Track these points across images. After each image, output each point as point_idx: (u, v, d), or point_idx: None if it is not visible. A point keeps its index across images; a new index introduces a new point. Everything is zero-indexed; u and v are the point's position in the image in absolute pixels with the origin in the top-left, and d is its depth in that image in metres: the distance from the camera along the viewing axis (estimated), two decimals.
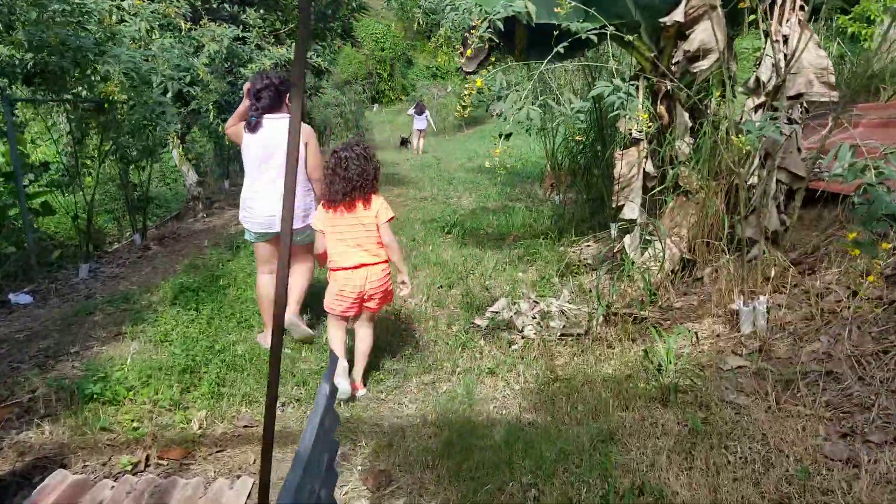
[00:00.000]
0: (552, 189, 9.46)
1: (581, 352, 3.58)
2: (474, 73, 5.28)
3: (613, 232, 5.65)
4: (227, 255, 6.55)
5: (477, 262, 5.91)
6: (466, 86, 4.03)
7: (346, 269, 3.36)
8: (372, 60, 35.64)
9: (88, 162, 6.52)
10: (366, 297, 3.42)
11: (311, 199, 3.95)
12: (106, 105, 5.55)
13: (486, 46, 5.33)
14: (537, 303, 4.49)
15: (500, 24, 4.15)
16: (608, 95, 3.05)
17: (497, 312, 4.51)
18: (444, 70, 37.26)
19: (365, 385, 3.55)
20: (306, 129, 3.79)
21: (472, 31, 4.86)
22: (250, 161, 3.81)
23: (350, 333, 3.71)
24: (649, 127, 3.84)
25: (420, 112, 18.76)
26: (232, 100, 8.56)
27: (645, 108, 4.19)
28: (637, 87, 4.58)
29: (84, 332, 4.50)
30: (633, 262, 3.95)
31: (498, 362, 3.65)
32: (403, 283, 3.49)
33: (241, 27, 7.70)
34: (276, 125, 3.76)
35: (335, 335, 3.52)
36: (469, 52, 4.87)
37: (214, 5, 8.20)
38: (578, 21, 4.27)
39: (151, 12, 6.26)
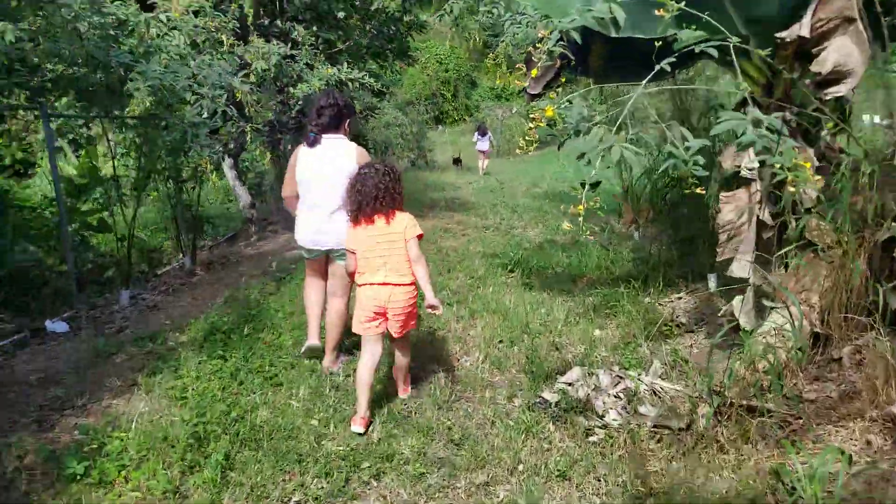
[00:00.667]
0: (632, 224, 8.56)
1: (682, 454, 2.74)
2: (539, 96, 4.54)
3: (712, 284, 4.74)
4: (271, 287, 5.97)
5: (544, 312, 5.12)
6: (532, 115, 3.29)
7: (371, 284, 3.30)
8: (436, 81, 35.35)
9: (135, 180, 6.09)
10: (388, 314, 3.32)
11: None
12: (133, 122, 5.11)
13: (556, 65, 4.58)
14: (621, 377, 3.64)
15: (577, 36, 3.37)
16: (742, 133, 2.23)
17: (570, 385, 3.69)
18: (509, 91, 36.65)
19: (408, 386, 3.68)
20: (360, 152, 3.79)
21: (538, 47, 4.16)
22: (303, 178, 3.80)
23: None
24: (819, 186, 2.96)
25: (483, 133, 18.78)
26: (281, 119, 8.07)
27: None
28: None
29: (99, 377, 3.94)
30: (749, 333, 3.09)
31: (572, 460, 2.84)
32: (432, 307, 3.38)
33: (290, 45, 7.19)
34: (331, 145, 3.76)
35: (363, 363, 3.38)
36: (534, 71, 4.12)
37: (265, 22, 7.74)
38: (670, 35, 3.48)
39: (193, 26, 5.80)
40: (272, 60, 6.88)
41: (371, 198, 3.26)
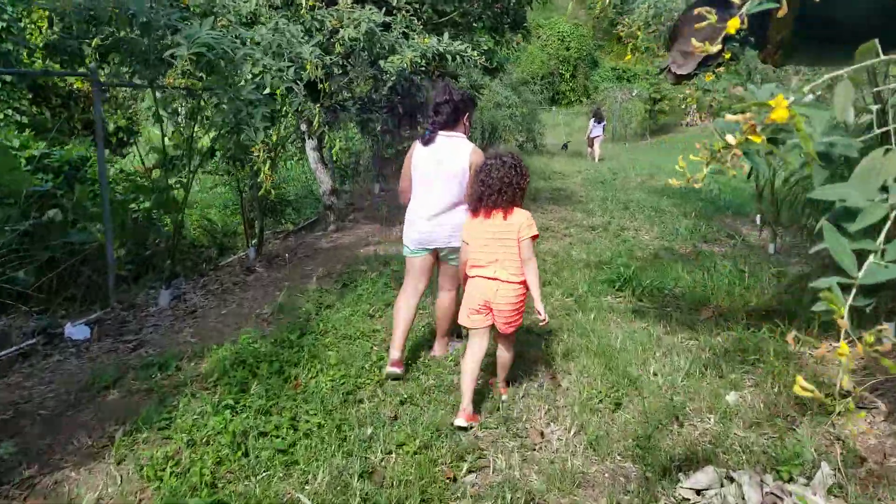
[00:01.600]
0: (770, 233, 6.95)
1: None
2: (689, 77, 3.21)
3: (891, 333, 3.30)
4: (332, 296, 5.02)
5: (660, 354, 3.85)
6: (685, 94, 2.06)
7: (480, 277, 3.21)
8: (556, 60, 33.54)
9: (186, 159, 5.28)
10: (494, 309, 3.20)
11: None
12: (178, 94, 4.27)
13: (719, 35, 3.28)
14: (777, 496, 2.40)
15: None
16: None
17: (699, 494, 2.50)
18: (631, 72, 34.27)
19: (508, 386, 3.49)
20: (475, 151, 3.59)
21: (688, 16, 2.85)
22: (418, 175, 3.64)
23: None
24: None
25: (599, 120, 17.83)
26: (373, 97, 7.07)
27: None
28: None
29: (71, 428, 3.01)
30: None
31: None
32: (538, 313, 3.22)
33: (384, 9, 6.12)
34: (448, 143, 3.60)
35: (470, 354, 3.26)
36: (699, 46, 2.81)
37: None
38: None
39: None
40: (362, 28, 5.85)
41: (494, 190, 3.14)
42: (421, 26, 6.49)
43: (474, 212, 3.25)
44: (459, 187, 3.54)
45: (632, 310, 4.96)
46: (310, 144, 7.54)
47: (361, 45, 6.03)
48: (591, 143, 18.17)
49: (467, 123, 3.71)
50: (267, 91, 4.58)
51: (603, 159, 17.46)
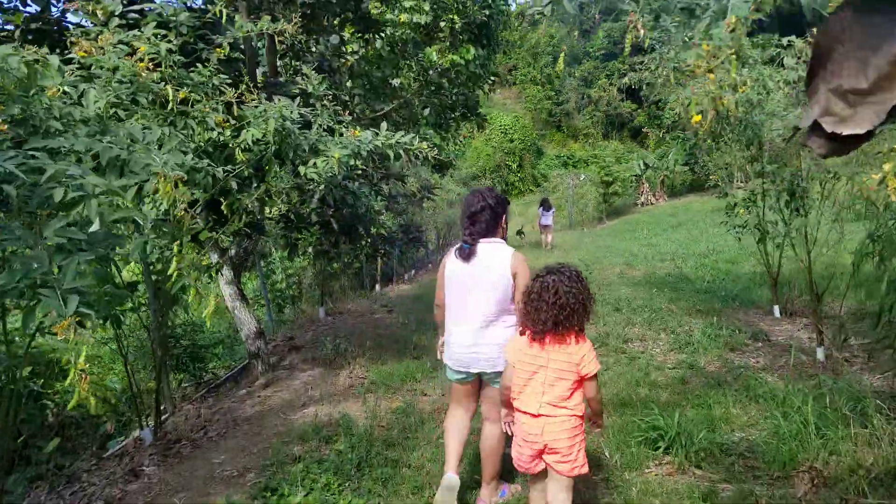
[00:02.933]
0: (816, 334, 5.40)
1: None
2: (864, 139, 1.67)
3: None
4: None
5: None
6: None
7: (527, 413, 2.71)
8: (500, 152, 33.16)
9: None
10: (546, 450, 2.67)
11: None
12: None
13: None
14: None
15: None
16: None
17: None
18: (576, 158, 34.10)
19: None
20: (517, 257, 3.18)
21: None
22: (456, 291, 3.24)
23: None
24: None
25: (547, 208, 17.57)
26: (302, 212, 5.48)
27: None
28: None
29: None
30: None
31: None
32: (599, 424, 2.86)
33: (298, 100, 4.61)
34: (488, 251, 3.20)
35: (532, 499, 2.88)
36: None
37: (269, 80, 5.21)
38: None
39: (117, 81, 3.33)
40: (270, 126, 4.31)
41: (570, 312, 2.62)
42: (350, 118, 4.99)
43: (539, 338, 2.71)
44: (504, 297, 3.15)
45: (693, 490, 3.26)
46: (223, 279, 5.83)
47: (273, 148, 4.48)
48: (542, 231, 17.87)
49: (505, 227, 3.36)
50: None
51: (555, 246, 17.04)
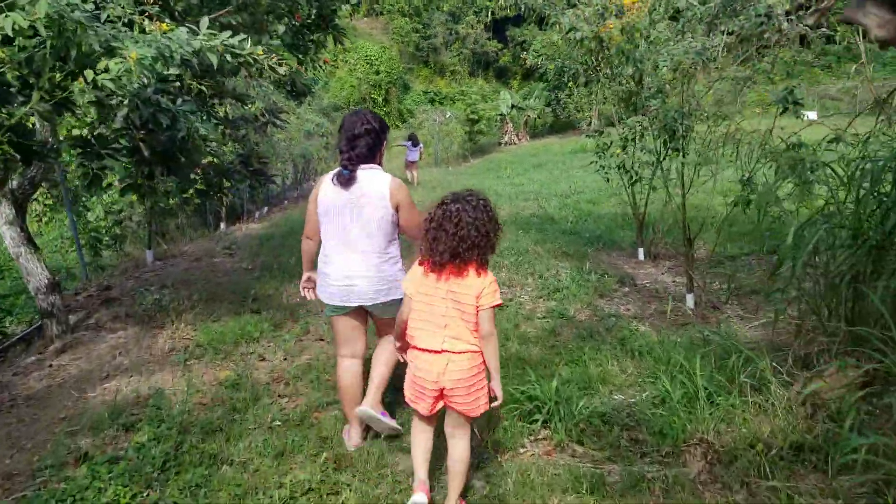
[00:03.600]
0: (687, 280, 5.07)
1: None
2: None
3: None
4: None
5: None
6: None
7: (427, 350, 2.50)
8: (366, 84, 31.59)
9: None
10: (445, 391, 2.48)
11: (400, 269, 3.06)
12: None
13: None
14: None
15: None
16: None
17: None
18: (443, 95, 33.38)
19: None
20: (398, 185, 2.98)
21: None
22: (334, 220, 2.98)
23: None
24: None
25: (415, 144, 16.52)
26: (106, 134, 4.28)
27: None
28: None
29: None
30: None
31: None
32: (492, 392, 2.52)
33: None
34: (367, 177, 2.97)
35: (416, 440, 2.66)
36: None
37: None
38: None
39: None
40: (41, 8, 3.06)
41: (472, 243, 2.40)
42: (157, 7, 3.81)
43: (437, 269, 2.48)
44: (389, 227, 2.96)
45: (578, 478, 2.74)
46: (2, 218, 4.48)
47: (51, 43, 3.25)
48: (408, 167, 16.75)
49: (383, 154, 3.12)
50: None
51: (420, 184, 16.12)
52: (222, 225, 10.57)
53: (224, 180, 5.10)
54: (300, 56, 12.16)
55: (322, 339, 4.67)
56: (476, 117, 22.64)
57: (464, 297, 2.45)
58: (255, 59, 4.24)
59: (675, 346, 3.92)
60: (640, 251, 6.61)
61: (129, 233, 8.02)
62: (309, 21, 10.09)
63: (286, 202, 14.24)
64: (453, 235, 2.41)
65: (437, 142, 21.87)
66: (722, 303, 5.05)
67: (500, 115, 24.67)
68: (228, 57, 4.04)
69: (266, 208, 12.91)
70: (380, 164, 3.08)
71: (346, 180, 2.95)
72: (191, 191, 5.39)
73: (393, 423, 3.13)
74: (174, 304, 5.38)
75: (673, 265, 6.32)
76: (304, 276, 3.22)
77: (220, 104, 5.42)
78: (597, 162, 6.61)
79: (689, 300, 5.07)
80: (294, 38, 10.79)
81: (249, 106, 5.42)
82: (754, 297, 5.13)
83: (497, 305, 2.48)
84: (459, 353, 2.47)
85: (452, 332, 2.48)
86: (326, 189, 3.00)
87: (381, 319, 3.13)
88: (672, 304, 5.00)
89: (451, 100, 30.76)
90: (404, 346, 2.71)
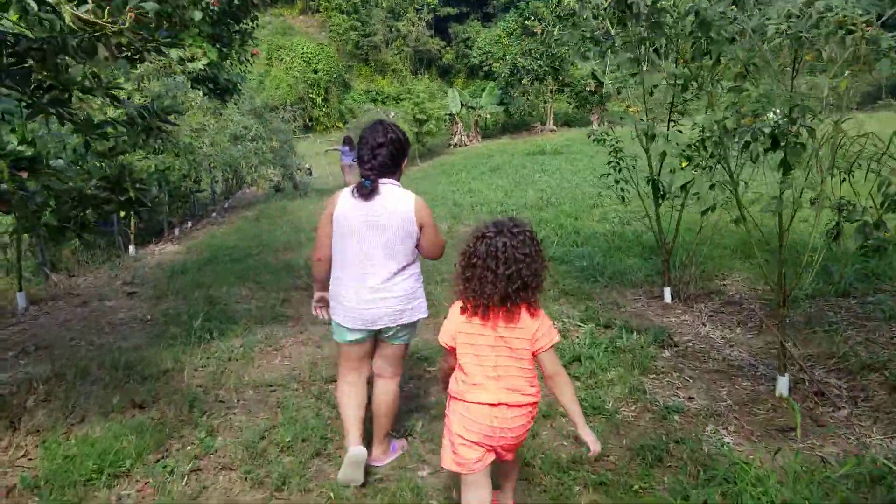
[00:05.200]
0: (781, 352, 3.51)
1: None
2: None
3: None
4: None
5: None
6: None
7: (481, 404, 2.13)
8: (303, 84, 29.40)
9: None
10: (498, 447, 2.19)
11: (420, 287, 2.84)
12: None
13: None
14: None
15: None
16: None
17: None
18: (386, 94, 31.56)
19: None
20: (422, 205, 2.74)
21: None
22: (352, 235, 2.73)
23: None
24: None
25: (352, 147, 14.62)
26: None
27: None
28: None
29: None
30: None
31: None
32: (585, 440, 2.16)
33: None
34: (388, 192, 2.74)
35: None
36: None
37: None
38: None
39: None
40: None
41: (521, 284, 2.06)
42: None
43: (482, 314, 2.14)
44: (412, 244, 2.75)
45: None
46: None
47: None
48: (344, 172, 15.07)
49: (403, 170, 2.89)
50: None
51: None
52: (131, 248, 8.54)
53: (86, 212, 3.26)
54: (223, 48, 10.15)
55: (231, 468, 2.92)
56: (424, 117, 20.92)
57: (517, 343, 2.15)
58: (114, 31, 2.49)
59: (797, 481, 2.37)
60: (667, 291, 5.07)
61: (12, 263, 6.01)
62: (230, 7, 8.31)
63: (214, 214, 12.18)
64: (502, 276, 2.06)
65: None
66: (832, 387, 3.53)
67: (449, 114, 23.05)
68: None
69: (189, 223, 10.86)
70: (398, 179, 2.82)
71: (367, 192, 2.71)
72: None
73: (397, 453, 3.02)
74: (19, 396, 3.51)
75: (714, 312, 4.81)
76: (317, 296, 2.99)
77: (81, 100, 3.55)
78: (612, 174, 5.06)
79: (783, 385, 3.50)
80: (214, 27, 8.86)
81: (127, 104, 3.56)
82: (869, 373, 3.64)
83: (556, 343, 2.18)
84: (516, 405, 2.15)
85: (507, 383, 2.16)
86: (344, 206, 2.75)
87: (390, 347, 2.87)
88: (750, 385, 3.47)
89: (396, 99, 28.98)
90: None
